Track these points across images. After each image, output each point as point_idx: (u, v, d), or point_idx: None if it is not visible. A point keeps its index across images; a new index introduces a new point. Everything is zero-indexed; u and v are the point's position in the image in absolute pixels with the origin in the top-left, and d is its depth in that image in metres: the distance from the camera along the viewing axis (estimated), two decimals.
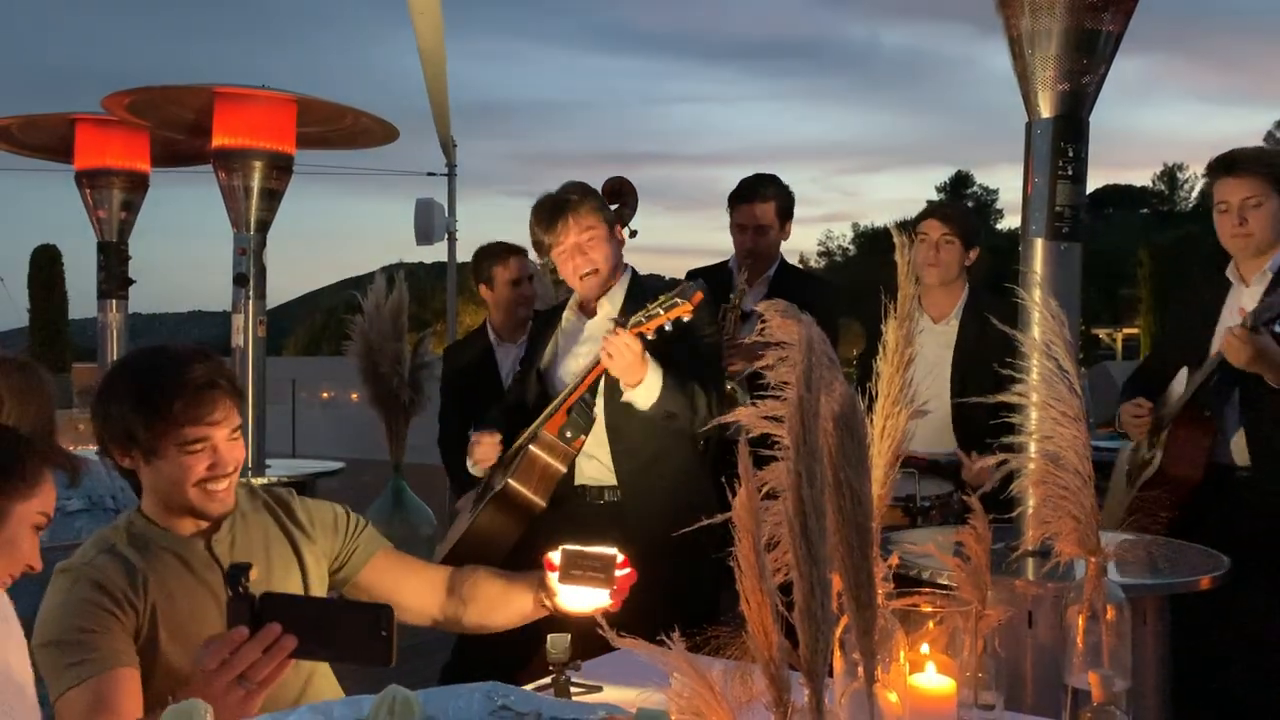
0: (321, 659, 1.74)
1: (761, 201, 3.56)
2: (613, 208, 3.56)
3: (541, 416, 2.70)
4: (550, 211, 2.70)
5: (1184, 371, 2.97)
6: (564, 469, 2.65)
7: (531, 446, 2.63)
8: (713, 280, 3.66)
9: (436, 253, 7.70)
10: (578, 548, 1.72)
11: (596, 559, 1.69)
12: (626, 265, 2.86)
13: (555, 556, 1.76)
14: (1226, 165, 2.90)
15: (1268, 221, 2.84)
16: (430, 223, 7.15)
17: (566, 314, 2.88)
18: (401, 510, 6.08)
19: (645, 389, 2.58)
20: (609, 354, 2.52)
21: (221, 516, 1.82)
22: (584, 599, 1.75)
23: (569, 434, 2.63)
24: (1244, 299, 2.88)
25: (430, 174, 7.69)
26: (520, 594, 1.89)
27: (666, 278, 3.44)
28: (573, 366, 2.78)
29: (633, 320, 2.53)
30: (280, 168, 4.22)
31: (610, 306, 2.75)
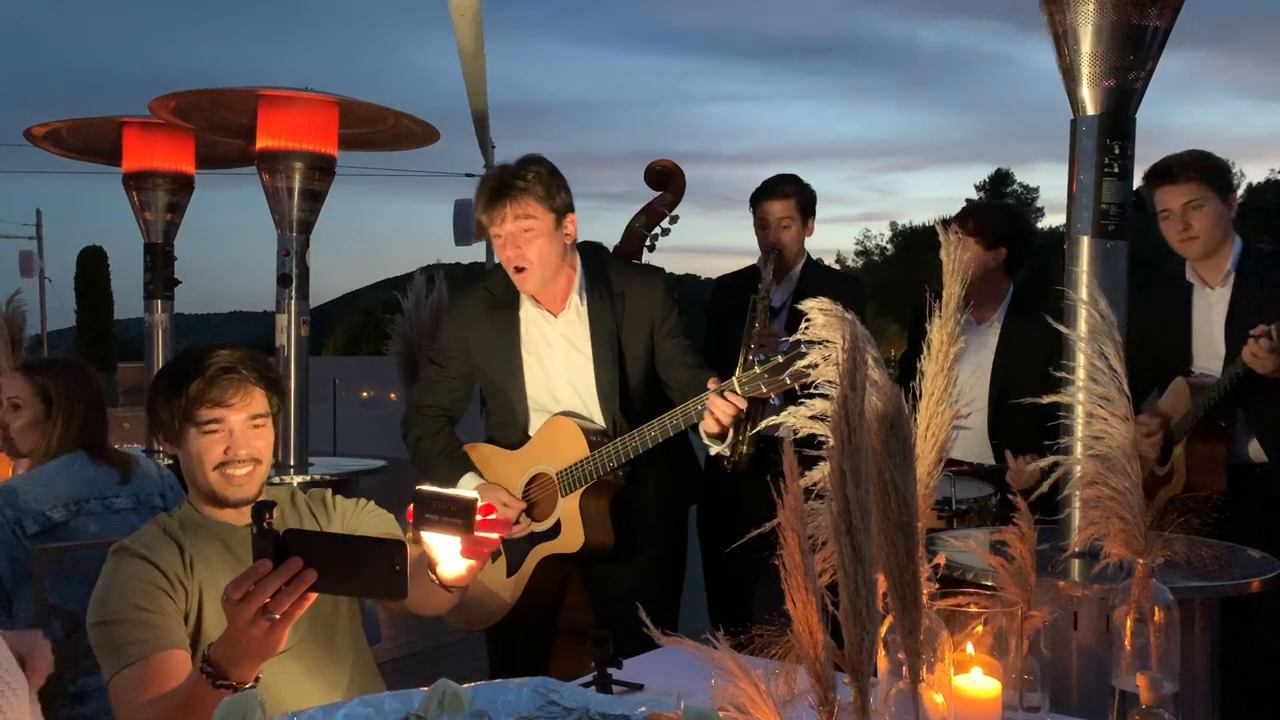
0: (340, 593, 1.78)
1: (780, 198, 3.58)
2: (656, 193, 3.56)
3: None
4: (492, 192, 2.43)
5: (1179, 381, 2.96)
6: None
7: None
8: (744, 283, 3.66)
9: (473, 253, 7.76)
10: (434, 489, 1.56)
11: (453, 501, 1.54)
12: (576, 251, 2.63)
13: (412, 504, 1.61)
14: (1162, 174, 2.96)
15: (1211, 222, 2.91)
16: (469, 223, 7.20)
17: (525, 315, 2.64)
18: None
19: (728, 440, 2.39)
20: (717, 418, 2.27)
21: (242, 502, 1.85)
22: (448, 549, 1.60)
23: None
24: (1213, 299, 2.96)
25: (469, 175, 7.78)
26: (422, 564, 1.75)
27: (637, 260, 3.34)
28: (548, 367, 2.64)
29: (748, 382, 2.25)
30: (323, 169, 4.27)
31: (578, 301, 2.59)
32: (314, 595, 1.43)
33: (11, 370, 4.12)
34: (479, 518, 1.55)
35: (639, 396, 2.64)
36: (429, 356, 2.83)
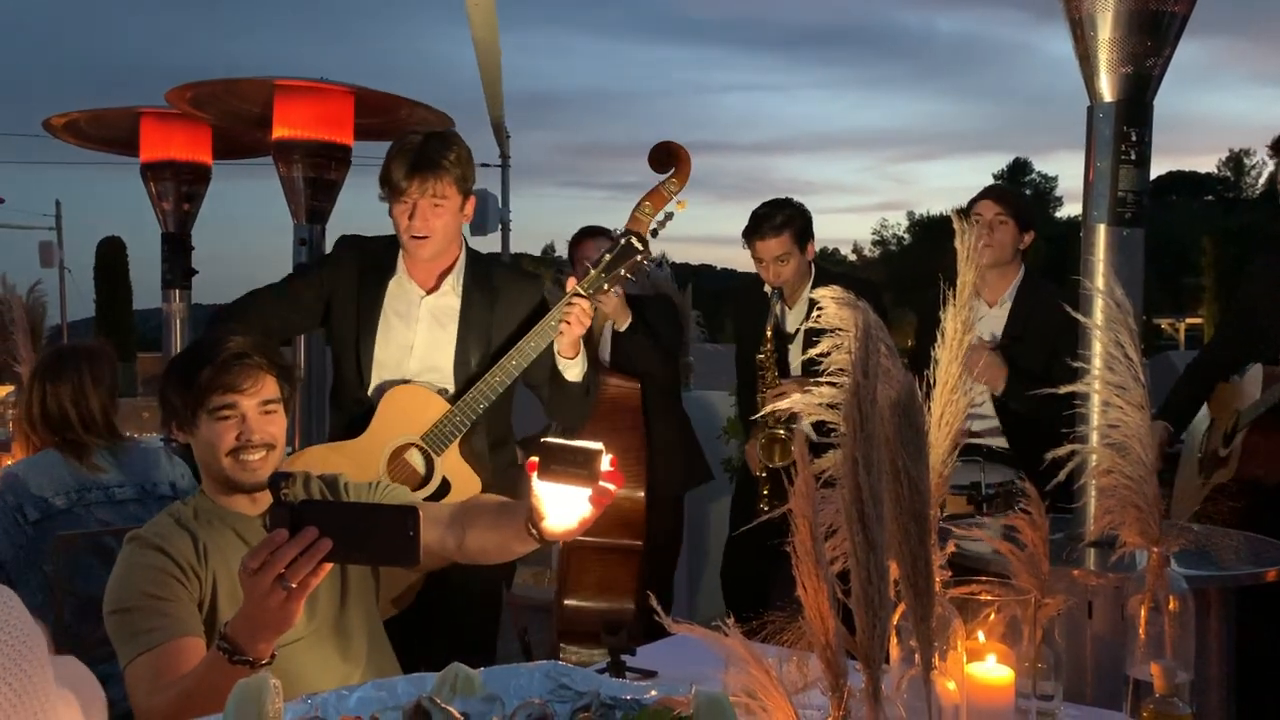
0: (355, 561, 1.81)
1: (774, 235, 3.50)
2: (662, 176, 3.54)
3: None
4: (414, 161, 2.45)
5: (1258, 369, 2.92)
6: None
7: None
8: (758, 284, 3.67)
9: (489, 243, 7.76)
10: (561, 441, 1.55)
11: (580, 452, 1.52)
12: (464, 241, 2.67)
13: (536, 456, 1.59)
14: None
15: None
16: (485, 213, 7.23)
17: (395, 284, 2.62)
18: None
19: (580, 361, 2.54)
20: (568, 322, 2.44)
21: (256, 488, 1.86)
22: (565, 501, 1.58)
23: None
24: None
25: (484, 165, 7.76)
26: (511, 516, 1.79)
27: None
28: (404, 338, 2.59)
29: (591, 284, 2.48)
30: (338, 159, 4.28)
31: (454, 282, 2.60)
32: (329, 565, 1.44)
33: (33, 359, 4.14)
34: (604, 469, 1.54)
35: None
36: (284, 279, 2.74)
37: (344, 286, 2.62)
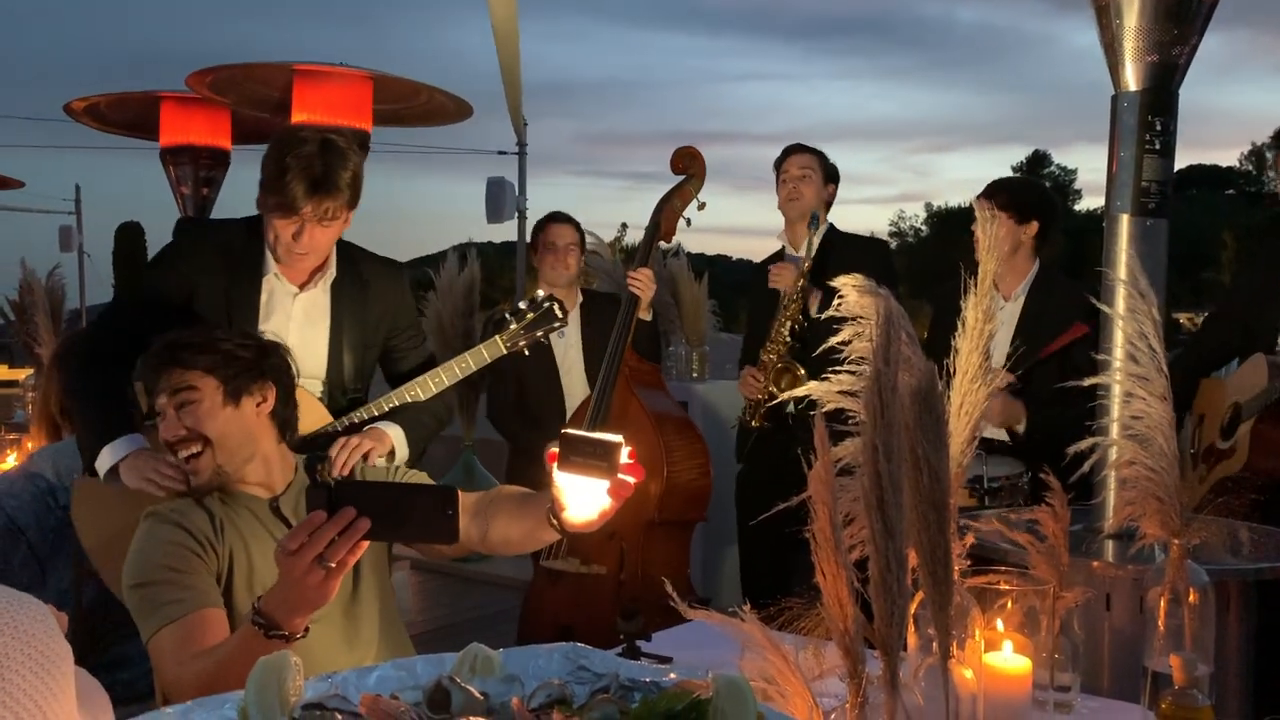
0: (393, 540, 1.81)
1: (805, 153, 3.70)
2: (679, 179, 3.60)
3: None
4: (315, 181, 2.28)
5: (1259, 357, 2.90)
6: None
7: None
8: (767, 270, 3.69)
9: (505, 232, 7.76)
10: (580, 432, 1.55)
11: (599, 445, 1.51)
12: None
13: (557, 447, 1.58)
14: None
15: None
16: (501, 201, 7.20)
17: (268, 282, 2.47)
18: (472, 483, 6.17)
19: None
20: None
21: (199, 490, 1.89)
22: (584, 492, 1.58)
23: None
24: None
25: (501, 152, 7.74)
26: (534, 506, 1.80)
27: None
28: (283, 337, 2.39)
29: (509, 338, 2.55)
30: (357, 145, 4.28)
31: (325, 279, 2.49)
32: (366, 543, 1.45)
33: (53, 342, 4.16)
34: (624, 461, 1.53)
35: (353, 383, 2.58)
36: (130, 301, 2.57)
37: (208, 282, 2.44)
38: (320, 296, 2.50)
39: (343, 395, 2.52)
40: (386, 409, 2.45)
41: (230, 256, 2.44)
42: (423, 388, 2.48)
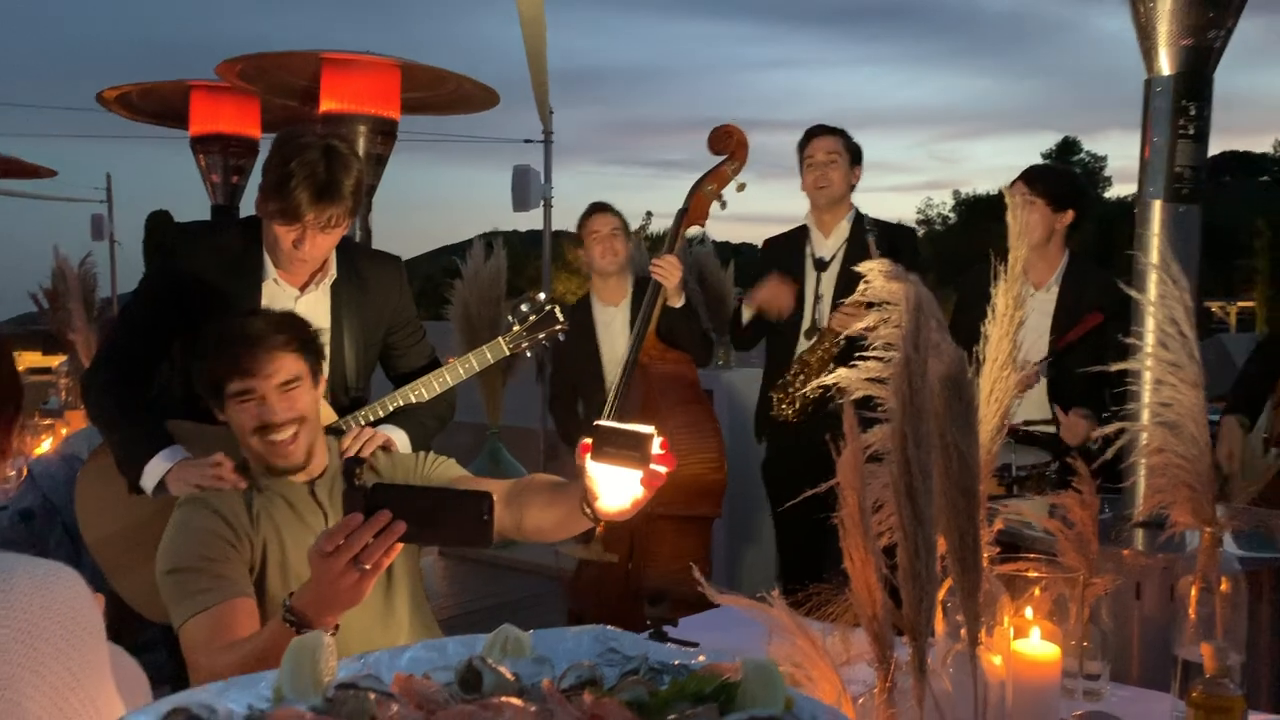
0: (429, 543, 1.83)
1: (829, 135, 3.62)
2: (719, 158, 3.57)
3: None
4: (320, 189, 2.24)
5: None
6: None
7: None
8: (789, 244, 3.68)
9: (531, 220, 7.77)
10: (613, 424, 1.58)
11: (631, 436, 1.55)
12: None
13: (589, 438, 1.61)
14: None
15: None
16: (527, 189, 7.21)
17: (268, 287, 2.44)
18: (498, 471, 6.20)
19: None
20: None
21: (290, 469, 1.89)
22: (616, 483, 1.61)
23: None
24: None
25: (527, 141, 7.75)
26: (567, 495, 1.82)
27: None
28: None
29: (512, 340, 2.59)
30: (385, 133, 4.30)
31: (325, 279, 2.46)
32: (400, 545, 1.46)
33: (86, 329, 4.21)
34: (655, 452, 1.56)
35: (356, 382, 2.55)
36: (132, 313, 2.49)
37: (206, 290, 2.39)
38: (321, 298, 2.48)
39: (345, 394, 2.50)
40: (391, 408, 2.45)
41: (227, 262, 2.41)
42: (426, 388, 2.48)
